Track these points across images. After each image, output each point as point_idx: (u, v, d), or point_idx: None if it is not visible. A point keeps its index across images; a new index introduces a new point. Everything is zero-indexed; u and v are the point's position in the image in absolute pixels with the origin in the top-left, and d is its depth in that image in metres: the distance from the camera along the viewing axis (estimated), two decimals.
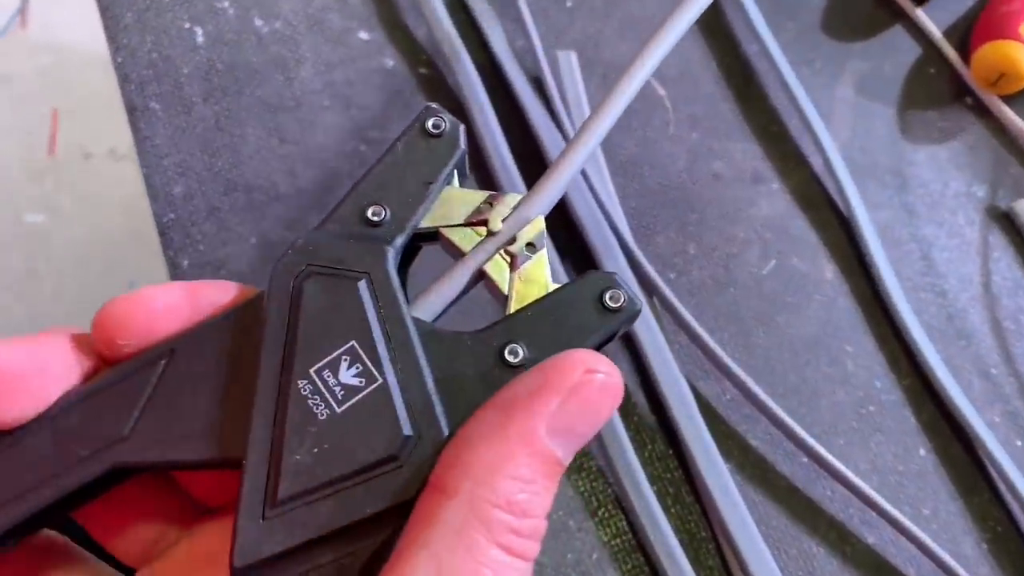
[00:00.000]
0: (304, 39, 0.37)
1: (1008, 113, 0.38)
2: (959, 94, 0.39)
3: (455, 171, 0.20)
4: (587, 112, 0.37)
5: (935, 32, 0.40)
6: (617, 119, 0.22)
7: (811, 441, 0.31)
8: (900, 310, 0.34)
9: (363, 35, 0.38)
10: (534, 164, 0.35)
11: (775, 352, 0.34)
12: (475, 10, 0.38)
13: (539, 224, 0.19)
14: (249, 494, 0.17)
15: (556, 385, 0.17)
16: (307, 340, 0.17)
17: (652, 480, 0.31)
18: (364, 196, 0.19)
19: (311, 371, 0.17)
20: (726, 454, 0.31)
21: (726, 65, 0.39)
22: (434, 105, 0.20)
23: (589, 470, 0.31)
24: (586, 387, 0.17)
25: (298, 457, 0.17)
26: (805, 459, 0.32)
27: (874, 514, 0.31)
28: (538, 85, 0.37)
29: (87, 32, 1.26)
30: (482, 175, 0.35)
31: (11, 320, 1.10)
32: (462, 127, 0.20)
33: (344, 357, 0.17)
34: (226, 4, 0.38)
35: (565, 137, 0.36)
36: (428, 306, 0.19)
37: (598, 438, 0.31)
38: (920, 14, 0.41)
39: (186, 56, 0.37)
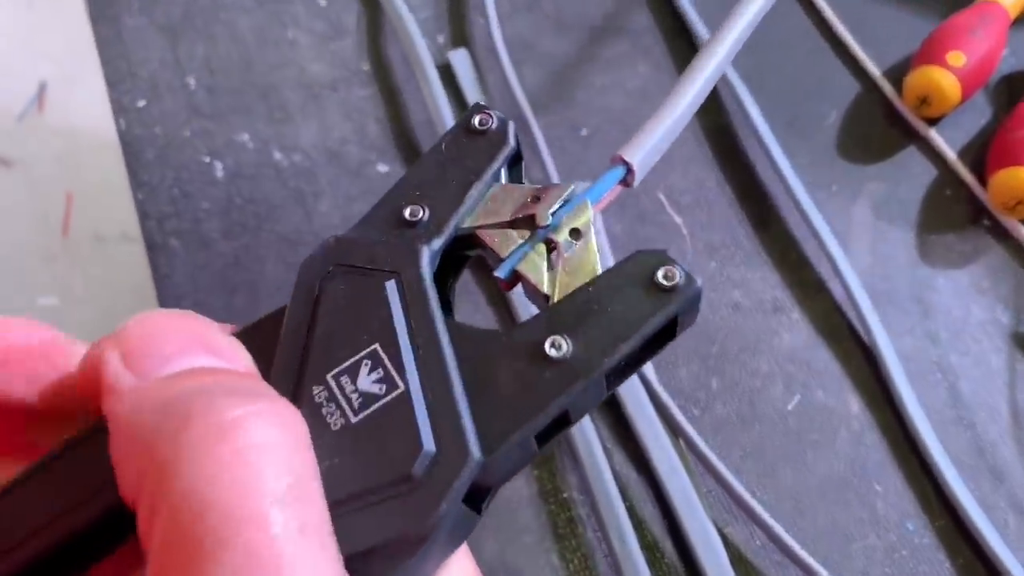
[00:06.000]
0: (323, 172, 0.38)
1: None
2: (976, 216, 0.39)
3: (504, 170, 0.19)
4: (604, 237, 0.37)
5: (949, 154, 0.40)
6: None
7: None
8: (928, 445, 0.33)
9: (381, 167, 0.38)
10: None
11: (803, 492, 0.33)
12: None
13: (585, 210, 0.18)
14: None
15: None
16: (326, 343, 0.16)
17: None
18: (402, 196, 0.18)
19: (328, 376, 0.16)
20: None
21: (741, 190, 0.39)
22: (482, 102, 0.19)
23: None
24: None
25: None
26: None
27: None
28: None
29: (102, 118, 1.29)
30: (501, 305, 0.35)
31: None
32: (511, 124, 0.19)
33: (365, 361, 0.16)
34: (246, 137, 0.38)
35: None
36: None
37: None
38: (933, 134, 0.41)
39: (206, 191, 0.37)
